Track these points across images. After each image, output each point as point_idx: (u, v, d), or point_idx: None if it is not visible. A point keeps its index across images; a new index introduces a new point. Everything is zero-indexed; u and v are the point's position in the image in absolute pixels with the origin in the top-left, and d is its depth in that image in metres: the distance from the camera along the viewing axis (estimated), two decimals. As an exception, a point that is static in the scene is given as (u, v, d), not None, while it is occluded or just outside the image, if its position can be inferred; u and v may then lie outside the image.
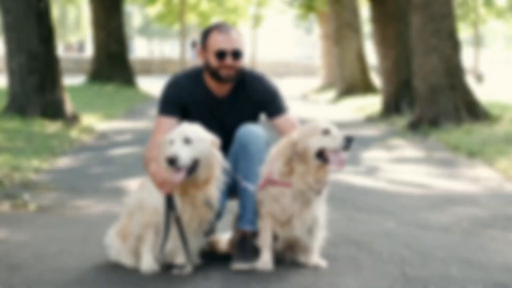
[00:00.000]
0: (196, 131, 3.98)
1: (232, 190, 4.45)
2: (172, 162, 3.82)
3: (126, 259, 4.15)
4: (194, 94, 4.43)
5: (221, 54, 4.33)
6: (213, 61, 4.35)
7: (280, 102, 4.50)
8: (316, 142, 4.05)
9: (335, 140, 4.03)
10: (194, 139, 3.93)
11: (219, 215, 4.40)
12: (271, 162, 4.15)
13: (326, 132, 4.06)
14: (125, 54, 22.54)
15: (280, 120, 4.47)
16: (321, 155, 4.06)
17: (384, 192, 7.08)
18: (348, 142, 4.02)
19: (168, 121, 4.36)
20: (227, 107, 4.47)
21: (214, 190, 4.03)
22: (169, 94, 4.41)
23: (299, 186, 4.09)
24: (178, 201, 4.01)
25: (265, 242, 4.19)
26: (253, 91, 4.47)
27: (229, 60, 4.33)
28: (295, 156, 4.08)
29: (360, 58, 21.73)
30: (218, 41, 4.34)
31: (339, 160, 4.03)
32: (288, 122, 4.48)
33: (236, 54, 4.35)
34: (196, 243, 4.15)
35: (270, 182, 4.12)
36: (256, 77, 4.51)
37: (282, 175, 4.10)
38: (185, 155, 3.86)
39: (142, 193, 4.12)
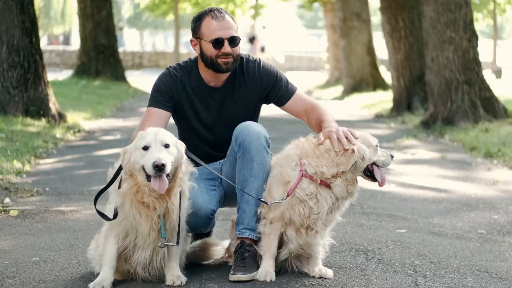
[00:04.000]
0: (169, 135, 3.99)
1: (229, 194, 4.45)
2: (160, 168, 3.82)
3: None
4: (187, 86, 4.43)
5: (218, 43, 4.33)
6: (209, 51, 4.35)
7: (286, 83, 4.51)
8: (372, 154, 4.18)
9: (384, 155, 4.22)
10: (170, 144, 3.95)
11: (210, 223, 4.37)
12: (305, 156, 4.13)
13: (377, 146, 4.22)
14: (114, 47, 22.54)
15: (292, 102, 4.49)
16: (366, 168, 4.19)
17: (395, 196, 7.09)
18: (391, 160, 4.26)
19: (158, 111, 4.36)
20: (225, 98, 4.46)
21: (175, 201, 3.99)
22: (161, 86, 4.42)
23: (339, 192, 4.14)
24: (130, 211, 3.96)
25: (268, 250, 4.18)
26: (253, 78, 4.47)
27: (226, 48, 4.33)
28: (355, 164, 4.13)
29: (369, 51, 21.73)
30: (213, 29, 4.33)
31: (382, 178, 4.21)
32: (303, 99, 4.48)
33: (234, 41, 4.36)
34: (174, 253, 4.09)
35: (309, 177, 4.09)
36: (253, 61, 4.51)
37: (328, 176, 4.11)
38: (168, 161, 3.88)
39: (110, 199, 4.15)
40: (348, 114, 16.05)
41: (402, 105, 15.43)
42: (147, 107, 4.41)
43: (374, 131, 12.51)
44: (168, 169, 3.85)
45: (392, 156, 4.24)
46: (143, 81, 24.64)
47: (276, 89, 4.48)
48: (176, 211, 3.98)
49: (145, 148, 3.88)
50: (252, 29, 32.87)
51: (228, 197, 4.49)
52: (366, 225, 5.79)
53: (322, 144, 4.14)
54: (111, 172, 4.08)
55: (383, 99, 17.97)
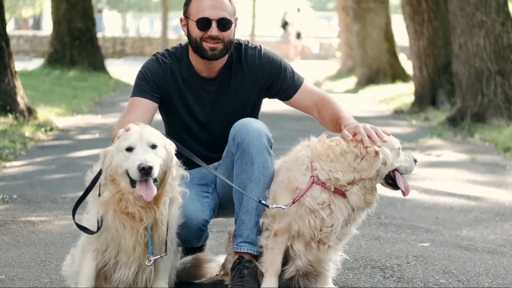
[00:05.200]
0: (156, 134, 3.99)
1: (224, 202, 4.46)
2: (147, 172, 3.81)
3: None
4: (177, 76, 4.45)
5: (203, 23, 4.34)
6: (194, 32, 4.37)
7: (291, 74, 4.53)
8: (394, 159, 4.16)
9: (407, 160, 4.20)
10: (158, 144, 3.94)
11: (202, 236, 4.38)
12: (318, 159, 4.13)
13: (399, 149, 4.20)
14: (92, 32, 22.53)
15: (300, 96, 4.50)
16: (388, 174, 4.17)
17: (417, 204, 7.09)
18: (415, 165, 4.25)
19: (144, 102, 4.36)
20: (220, 91, 4.48)
21: (164, 211, 3.99)
22: (148, 73, 4.43)
23: (356, 202, 4.12)
24: (113, 223, 3.96)
25: (271, 266, 4.18)
26: (252, 68, 4.48)
27: (213, 30, 4.33)
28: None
29: (387, 36, 21.72)
30: (202, 7, 4.35)
31: (406, 186, 4.19)
32: (312, 91, 4.50)
33: (224, 24, 4.36)
34: (162, 269, 4.09)
35: (321, 185, 4.09)
36: (253, 48, 4.51)
37: (343, 183, 4.10)
38: (156, 164, 3.87)
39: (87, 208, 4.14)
40: (362, 109, 16.04)
41: (425, 99, 15.41)
42: (131, 97, 4.42)
43: (393, 130, 12.47)
44: (156, 172, 3.85)
45: (415, 161, 4.22)
46: (125, 71, 24.62)
47: (280, 80, 4.49)
48: (165, 222, 3.98)
49: (129, 149, 3.88)
50: (285, 14, 32.97)
51: (224, 206, 4.49)
52: (383, 237, 5.79)
53: (355, 140, 4.11)
54: (90, 177, 4.08)
55: (403, 92, 17.96)
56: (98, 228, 3.96)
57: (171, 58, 4.47)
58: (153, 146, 3.91)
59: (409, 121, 14.00)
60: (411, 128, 13.05)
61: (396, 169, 4.16)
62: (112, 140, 4.12)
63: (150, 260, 3.99)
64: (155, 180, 3.88)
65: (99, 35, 27.06)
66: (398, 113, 15.43)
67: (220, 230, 5.79)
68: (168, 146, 3.99)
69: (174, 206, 4.08)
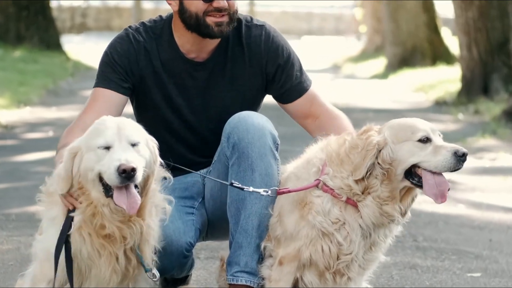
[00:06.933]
0: (138, 128, 4.00)
1: (214, 221, 4.46)
2: (129, 175, 3.81)
3: None
4: (154, 58, 4.45)
5: None
6: (195, 5, 4.37)
7: (299, 72, 4.54)
8: (409, 153, 4.09)
9: (437, 155, 4.08)
10: (141, 141, 3.95)
11: (185, 263, 4.39)
12: (320, 167, 4.14)
13: (425, 140, 4.11)
14: (45, 0, 22.53)
15: (302, 102, 4.52)
16: (412, 173, 4.11)
17: (464, 223, 7.06)
18: (460, 160, 4.07)
19: (109, 94, 4.36)
20: (212, 78, 4.48)
21: (152, 222, 4.01)
22: (114, 55, 4.43)
23: (370, 216, 4.11)
24: (84, 249, 3.97)
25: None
26: (256, 51, 4.49)
27: (221, 1, 4.34)
28: (378, 167, 4.10)
29: (426, 6, 21.72)
30: None
31: (439, 189, 4.05)
32: (317, 102, 4.52)
33: None
34: None
35: (331, 193, 4.10)
36: (257, 27, 4.53)
37: (357, 191, 4.10)
38: (140, 165, 3.88)
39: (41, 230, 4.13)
40: (394, 99, 16.05)
41: (476, 87, 15.39)
42: (94, 86, 4.43)
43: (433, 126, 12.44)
44: (140, 176, 3.86)
45: (456, 153, 4.07)
46: (87, 50, 24.64)
47: (283, 76, 4.52)
48: (154, 238, 4.03)
49: (104, 147, 3.89)
50: None
51: (214, 224, 4.50)
52: (421, 266, 5.78)
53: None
54: (47, 190, 4.07)
55: (447, 78, 17.94)
56: (69, 258, 3.93)
57: (147, 35, 4.47)
58: (135, 144, 3.92)
59: (455, 115, 13.99)
60: (457, 124, 13.04)
61: (417, 165, 4.10)
62: (56, 161, 4.08)
63: (155, 274, 4.02)
64: (136, 186, 3.88)
65: (53, 4, 27.04)
66: (440, 105, 15.42)
67: (209, 256, 5.78)
68: (151, 144, 4.01)
69: (157, 219, 4.09)
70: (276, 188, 4.17)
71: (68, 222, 3.96)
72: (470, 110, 14.27)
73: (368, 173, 4.06)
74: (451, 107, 14.89)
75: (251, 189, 4.15)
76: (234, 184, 4.17)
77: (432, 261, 5.91)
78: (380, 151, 4.07)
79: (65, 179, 3.92)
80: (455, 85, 16.24)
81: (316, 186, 4.11)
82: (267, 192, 4.14)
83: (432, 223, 6.97)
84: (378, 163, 4.08)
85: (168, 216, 4.14)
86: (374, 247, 4.19)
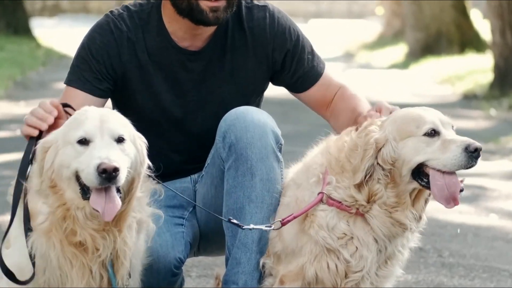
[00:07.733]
0: (124, 122, 4.01)
1: (207, 233, 4.48)
2: (110, 175, 3.79)
3: None
4: (140, 49, 4.45)
5: None
6: None
7: (311, 55, 4.56)
8: (414, 150, 4.07)
9: (446, 151, 4.03)
10: (126, 137, 3.95)
11: (175, 281, 4.40)
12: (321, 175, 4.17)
13: (432, 133, 4.08)
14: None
15: (317, 89, 4.56)
16: (421, 173, 4.09)
17: (497, 236, 7.09)
18: (472, 156, 4.02)
19: (83, 96, 4.37)
20: (209, 70, 4.50)
21: (129, 238, 4.00)
22: (92, 49, 4.43)
23: (381, 227, 4.12)
24: (55, 259, 3.97)
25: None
26: (260, 36, 4.51)
27: None
28: (379, 168, 4.10)
29: (452, -14, 21.81)
30: None
31: (449, 192, 4.01)
32: (331, 84, 4.56)
33: None
34: None
35: (336, 205, 4.12)
36: (260, 8, 4.54)
37: (362, 202, 4.13)
38: (123, 165, 3.87)
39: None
40: (415, 92, 16.15)
41: (510, 78, 15.42)
42: (66, 82, 4.46)
43: (460, 123, 12.45)
44: (123, 178, 3.86)
45: (467, 148, 4.02)
46: (61, 36, 24.81)
47: (294, 62, 4.54)
48: (129, 256, 4.01)
49: (83, 141, 3.90)
50: None
51: (207, 238, 4.52)
52: (447, 285, 5.79)
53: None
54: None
55: (477, 68, 18.05)
56: (33, 275, 3.94)
57: (131, 21, 4.47)
58: (119, 140, 3.93)
59: (486, 110, 14.06)
60: (489, 121, 13.10)
61: (424, 164, 4.08)
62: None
63: None
64: (118, 190, 3.87)
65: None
66: (470, 99, 15.51)
67: (202, 274, 5.80)
68: (138, 142, 4.03)
69: (142, 235, 4.10)
70: (280, 220, 4.17)
71: (31, 145, 4.02)
72: (504, 105, 14.33)
73: (368, 176, 4.07)
74: (482, 101, 14.98)
75: (251, 226, 4.17)
76: (232, 221, 4.20)
77: (459, 280, 5.93)
78: (380, 150, 4.07)
79: (39, 176, 3.94)
80: (487, 76, 16.34)
81: (321, 200, 4.12)
82: (271, 227, 4.16)
83: (459, 236, 6.98)
84: (379, 163, 4.09)
85: (151, 235, 4.14)
86: (390, 261, 4.21)
